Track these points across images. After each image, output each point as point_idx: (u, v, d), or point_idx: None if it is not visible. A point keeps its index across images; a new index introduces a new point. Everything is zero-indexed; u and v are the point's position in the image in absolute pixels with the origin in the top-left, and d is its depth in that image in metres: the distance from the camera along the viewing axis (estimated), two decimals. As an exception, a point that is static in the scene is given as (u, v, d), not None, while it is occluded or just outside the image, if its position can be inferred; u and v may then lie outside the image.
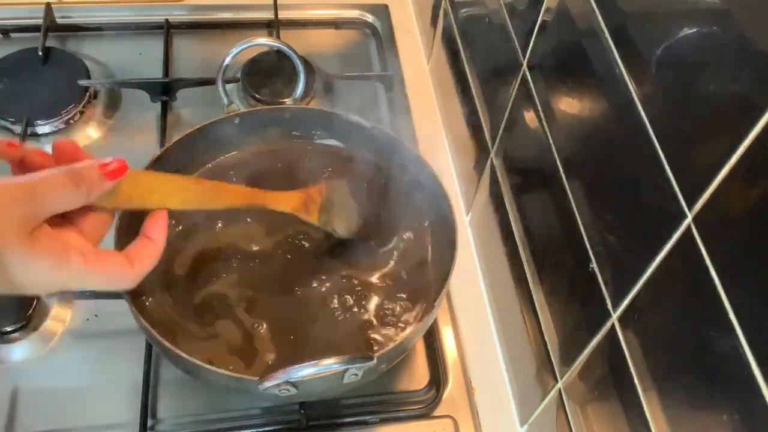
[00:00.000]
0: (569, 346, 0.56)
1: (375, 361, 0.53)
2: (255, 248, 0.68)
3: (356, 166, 0.74)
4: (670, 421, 0.43)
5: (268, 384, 0.52)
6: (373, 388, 0.66)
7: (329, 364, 0.52)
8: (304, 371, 0.51)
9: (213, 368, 0.54)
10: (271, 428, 0.65)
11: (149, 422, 0.63)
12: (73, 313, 0.69)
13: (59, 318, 0.68)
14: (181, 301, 0.63)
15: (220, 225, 0.68)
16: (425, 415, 0.66)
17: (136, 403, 0.63)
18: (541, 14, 0.57)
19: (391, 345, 0.56)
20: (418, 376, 0.69)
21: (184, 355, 0.54)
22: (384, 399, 0.67)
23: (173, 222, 0.67)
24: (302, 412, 0.64)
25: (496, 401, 0.69)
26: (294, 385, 0.53)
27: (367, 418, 0.66)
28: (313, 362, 0.52)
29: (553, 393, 0.60)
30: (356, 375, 0.55)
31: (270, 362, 0.61)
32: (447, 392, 0.68)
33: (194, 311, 0.63)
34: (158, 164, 0.65)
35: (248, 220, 0.69)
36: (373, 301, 0.66)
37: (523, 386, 0.68)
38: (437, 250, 0.68)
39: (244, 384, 0.55)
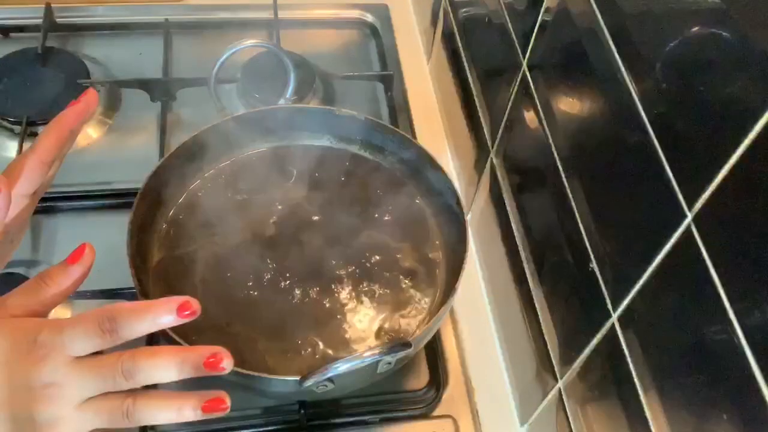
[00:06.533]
0: (569, 346, 0.56)
1: (412, 347, 0.53)
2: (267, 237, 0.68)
3: (357, 164, 0.74)
4: (670, 421, 0.43)
5: (310, 382, 0.51)
6: (373, 388, 0.66)
7: (371, 356, 0.51)
8: (347, 365, 0.51)
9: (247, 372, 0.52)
10: (271, 428, 0.64)
11: (149, 422, 0.63)
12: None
13: (59, 318, 0.68)
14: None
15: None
16: (425, 415, 0.66)
17: (136, 403, 0.63)
18: (541, 14, 0.57)
19: (423, 328, 0.55)
20: (418, 376, 0.69)
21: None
22: (384, 399, 0.67)
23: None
24: (302, 412, 0.64)
25: (496, 401, 0.69)
26: (331, 380, 0.53)
27: (367, 418, 0.66)
28: (356, 355, 0.51)
29: (553, 393, 0.60)
30: (390, 364, 0.54)
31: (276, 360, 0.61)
32: (447, 392, 0.68)
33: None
34: (155, 178, 0.65)
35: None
36: (384, 296, 0.65)
37: (523, 386, 0.68)
38: (446, 244, 0.68)
39: (286, 384, 0.54)
